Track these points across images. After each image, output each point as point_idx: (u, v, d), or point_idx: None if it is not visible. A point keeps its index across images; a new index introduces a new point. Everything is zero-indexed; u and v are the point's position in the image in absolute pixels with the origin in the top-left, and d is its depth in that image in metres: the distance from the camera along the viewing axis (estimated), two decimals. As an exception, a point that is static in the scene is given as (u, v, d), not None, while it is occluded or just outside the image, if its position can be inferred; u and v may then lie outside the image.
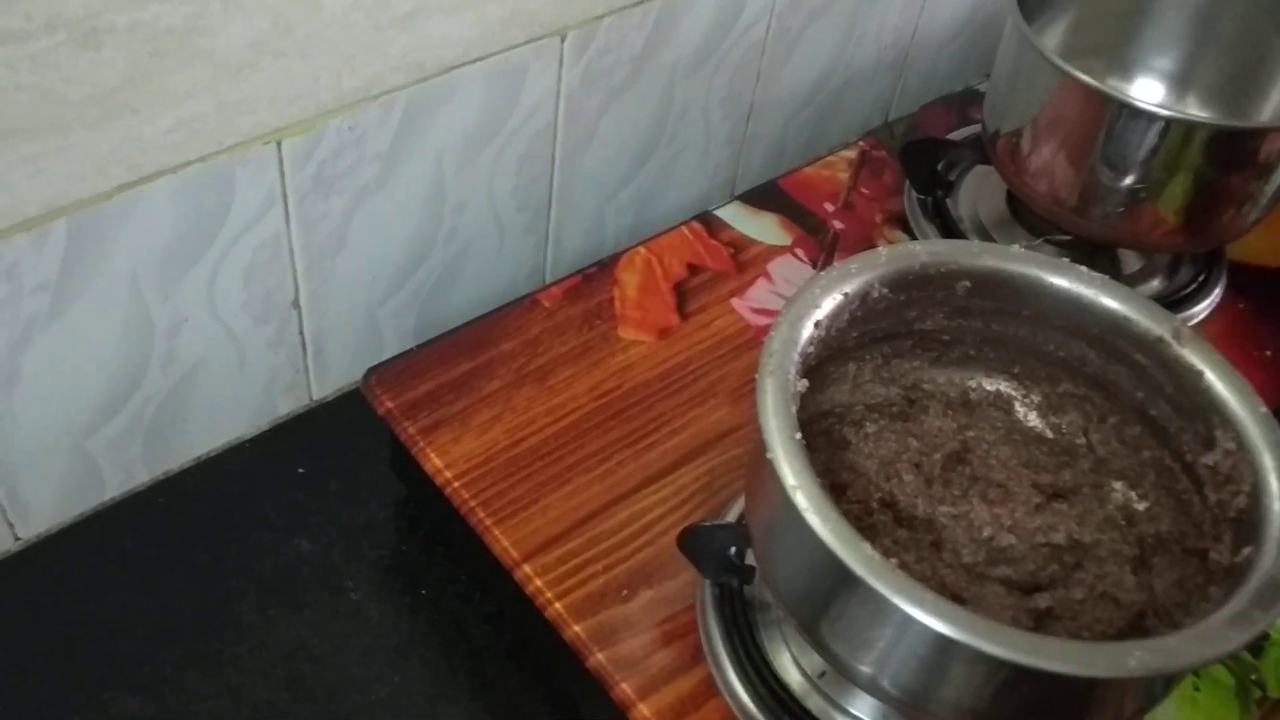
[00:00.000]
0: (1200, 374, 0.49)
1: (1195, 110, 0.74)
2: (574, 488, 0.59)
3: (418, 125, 0.63)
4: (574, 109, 0.70)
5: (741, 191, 0.79)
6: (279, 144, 0.58)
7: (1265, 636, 0.54)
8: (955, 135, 0.83)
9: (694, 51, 0.74)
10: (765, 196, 0.78)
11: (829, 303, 0.49)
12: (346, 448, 0.68)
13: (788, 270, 0.73)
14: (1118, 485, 0.53)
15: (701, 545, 0.54)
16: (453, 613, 0.62)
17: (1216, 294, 0.75)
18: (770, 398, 0.45)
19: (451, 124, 0.64)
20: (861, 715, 0.52)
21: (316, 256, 0.64)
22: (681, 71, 0.74)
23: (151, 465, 0.65)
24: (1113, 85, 0.66)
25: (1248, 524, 0.46)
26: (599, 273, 0.70)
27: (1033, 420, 0.56)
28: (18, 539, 0.62)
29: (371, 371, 0.63)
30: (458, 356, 0.64)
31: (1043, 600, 0.48)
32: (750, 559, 0.54)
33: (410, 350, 0.65)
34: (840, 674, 0.48)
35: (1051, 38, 0.74)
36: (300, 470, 0.67)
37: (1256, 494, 0.46)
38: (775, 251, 0.74)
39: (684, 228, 0.75)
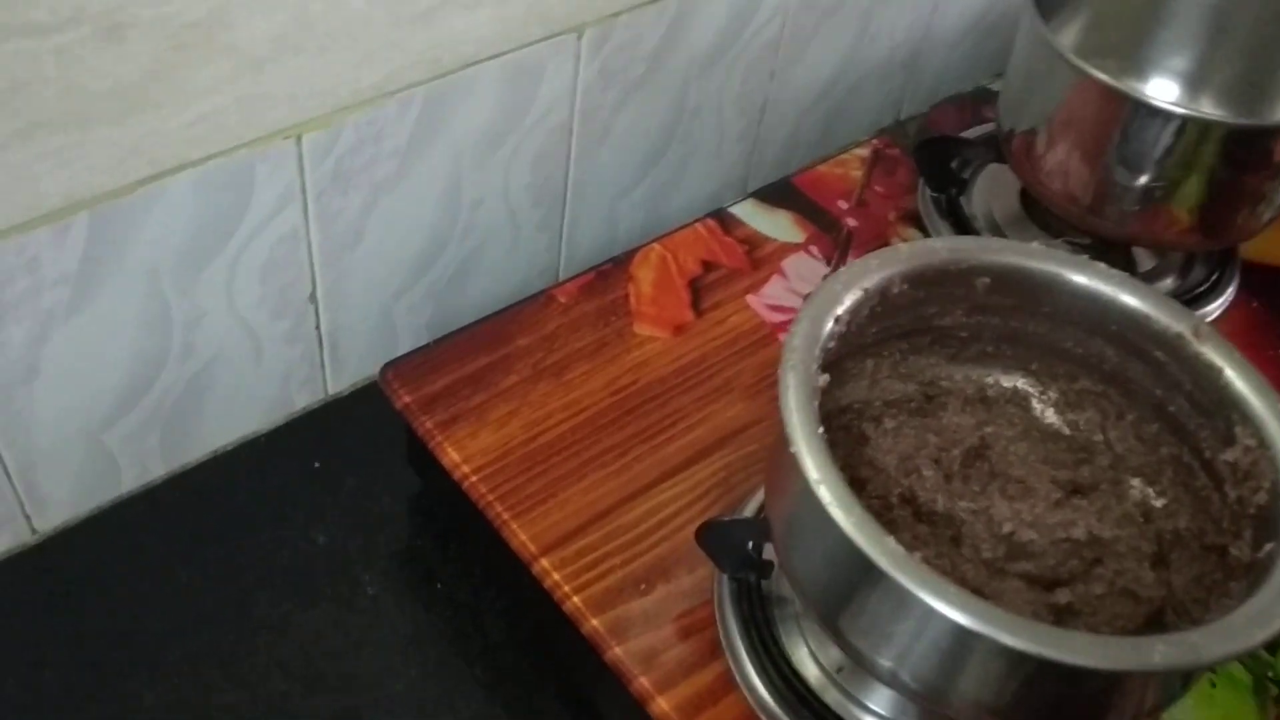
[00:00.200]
0: (1220, 371, 0.50)
1: (1210, 109, 0.74)
2: (591, 482, 0.59)
3: (435, 121, 0.63)
4: (590, 105, 0.70)
5: (754, 189, 0.79)
6: (299, 139, 0.58)
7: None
8: (968, 134, 0.83)
9: (708, 49, 0.74)
10: (779, 194, 0.78)
11: (850, 298, 0.49)
12: (362, 442, 0.68)
13: (802, 267, 0.73)
14: (1135, 482, 0.53)
15: (719, 540, 0.54)
16: (468, 607, 0.62)
17: (1229, 293, 0.75)
18: (793, 392, 0.45)
19: (468, 120, 0.64)
20: (879, 710, 0.52)
21: (334, 251, 0.64)
22: (696, 69, 0.75)
23: (168, 459, 0.65)
24: (1128, 84, 0.66)
25: (1268, 520, 0.46)
26: (614, 269, 0.71)
27: (1050, 417, 0.56)
28: (35, 532, 0.62)
29: (389, 366, 0.63)
30: (474, 352, 0.65)
31: (1063, 595, 0.48)
32: (768, 554, 0.54)
33: (427, 345, 0.65)
34: (860, 668, 0.49)
35: (1067, 36, 0.74)
36: (316, 464, 0.67)
37: (1277, 490, 0.46)
38: (789, 249, 0.74)
39: (698, 224, 0.75)
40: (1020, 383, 0.57)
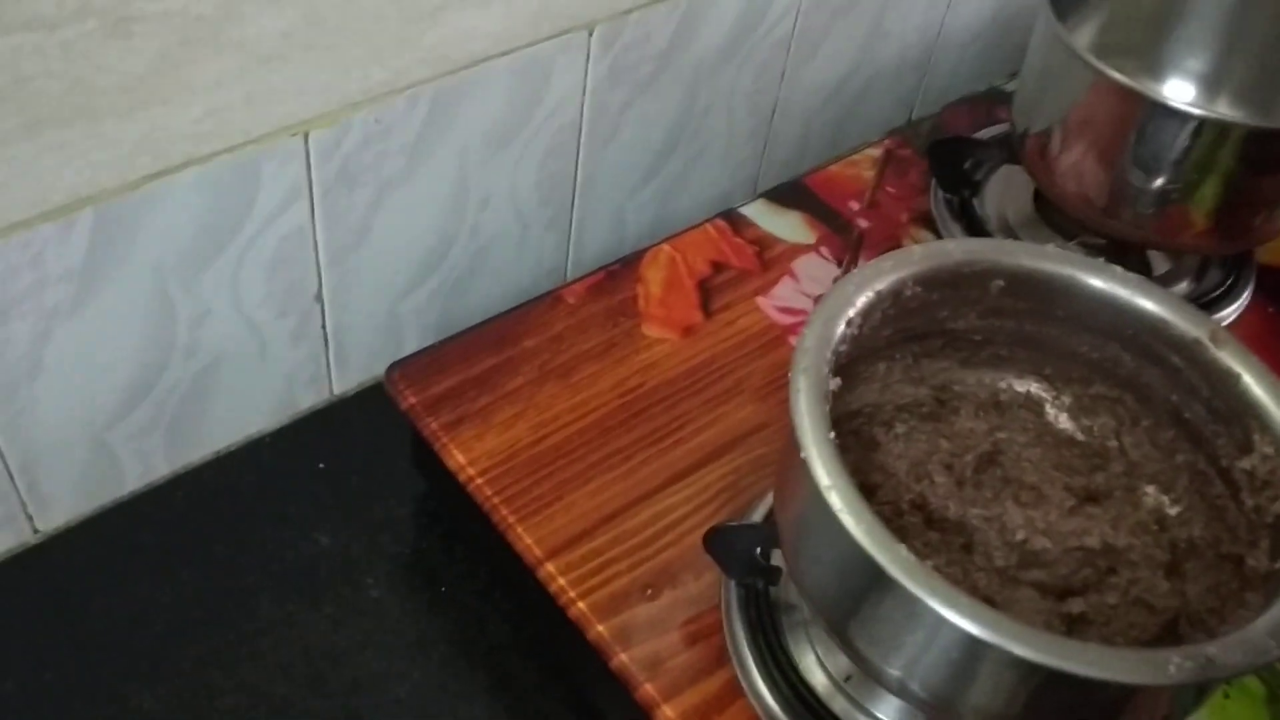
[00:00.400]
0: (1238, 377, 0.49)
1: (1228, 111, 0.74)
2: (597, 486, 0.59)
3: (443, 119, 0.62)
4: (599, 104, 0.70)
5: (764, 189, 0.79)
6: (306, 136, 0.57)
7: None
8: (981, 134, 0.83)
9: (719, 47, 0.74)
10: (790, 194, 0.77)
11: (862, 300, 0.49)
12: (367, 443, 0.67)
13: (813, 269, 0.72)
14: (1150, 489, 0.53)
15: (727, 545, 0.54)
16: (473, 610, 0.61)
17: (1245, 297, 0.74)
18: (804, 396, 0.44)
19: (477, 118, 0.64)
20: (886, 719, 0.51)
21: (340, 250, 0.63)
22: (706, 68, 0.74)
23: (171, 458, 0.64)
24: (1145, 84, 0.65)
25: (1286, 530, 0.45)
26: (623, 269, 0.70)
27: (1064, 422, 0.55)
28: (37, 531, 0.61)
29: (395, 366, 0.63)
30: (481, 352, 0.64)
31: (1076, 605, 0.47)
32: (776, 559, 0.53)
33: (433, 345, 0.64)
34: (869, 676, 0.48)
35: (1083, 36, 0.73)
36: (320, 465, 0.66)
37: (1295, 499, 0.45)
38: (800, 250, 0.73)
39: (708, 225, 0.74)
40: (1034, 387, 0.56)
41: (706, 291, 0.70)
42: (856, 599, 0.44)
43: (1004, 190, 0.78)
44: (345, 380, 0.70)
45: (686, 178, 0.80)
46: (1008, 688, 0.42)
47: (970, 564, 0.48)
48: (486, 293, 0.73)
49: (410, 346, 0.67)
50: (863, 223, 0.76)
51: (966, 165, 0.77)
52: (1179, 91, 0.74)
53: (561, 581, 0.55)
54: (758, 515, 0.58)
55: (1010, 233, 0.76)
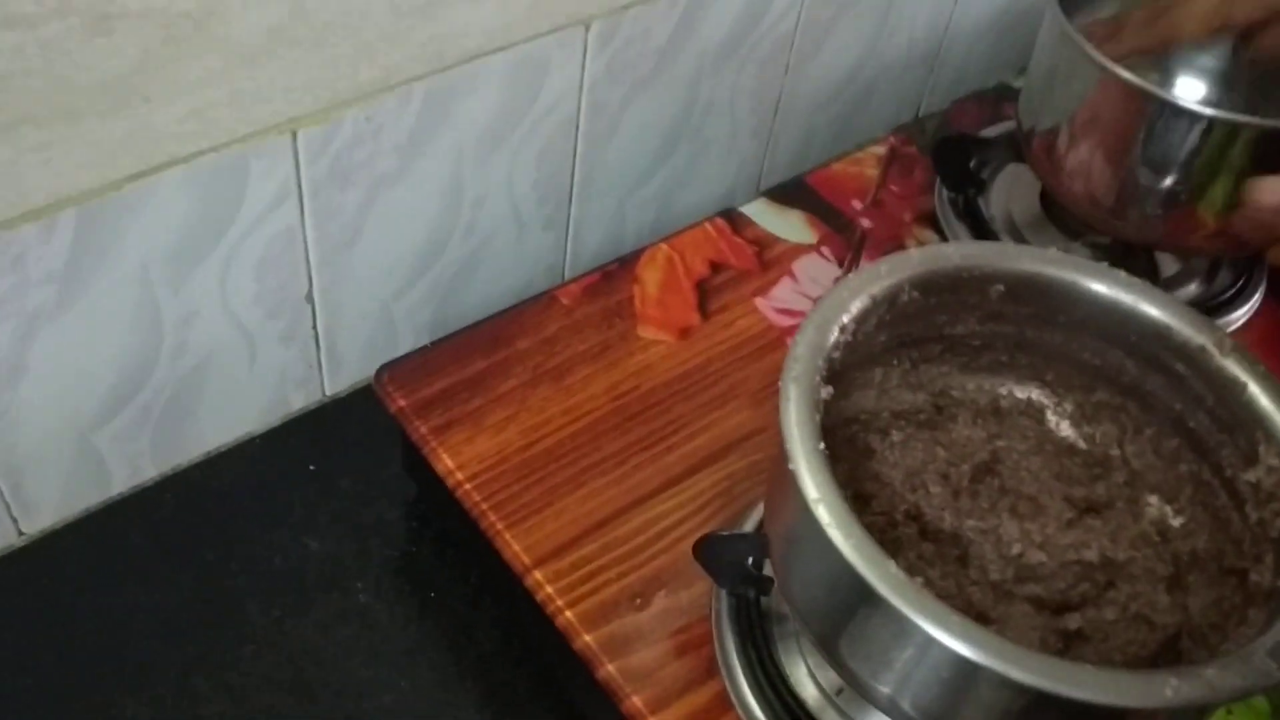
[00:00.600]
0: (1244, 386, 0.47)
1: (1238, 110, 0.72)
2: (589, 491, 0.58)
3: (437, 116, 0.61)
4: (597, 101, 0.68)
5: (767, 188, 0.77)
6: (294, 134, 0.56)
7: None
8: (988, 132, 0.81)
9: (721, 43, 0.72)
10: (791, 193, 0.76)
11: (857, 305, 0.47)
12: (358, 445, 0.66)
13: (813, 269, 0.71)
14: (1153, 500, 0.51)
15: (718, 555, 0.53)
16: (462, 617, 0.60)
17: (1256, 300, 0.73)
18: (794, 405, 0.43)
19: (471, 116, 0.63)
20: (879, 733, 0.50)
21: (331, 250, 0.62)
22: (708, 64, 0.73)
23: (159, 461, 0.64)
24: (1154, 83, 0.64)
25: (1291, 546, 0.44)
26: (619, 270, 0.69)
27: (1065, 430, 0.54)
28: (22, 534, 0.61)
29: (384, 369, 0.62)
30: (473, 354, 0.63)
31: (1073, 621, 0.46)
32: (768, 570, 0.52)
33: (424, 347, 0.63)
34: (858, 693, 0.47)
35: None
36: (311, 467, 0.65)
37: (1301, 514, 0.44)
38: (801, 250, 0.72)
39: (707, 224, 0.73)
40: (1034, 394, 0.55)
41: (704, 292, 0.69)
42: (845, 615, 0.43)
43: (1010, 189, 0.77)
44: (337, 381, 0.69)
45: (688, 176, 0.79)
46: (1000, 708, 0.41)
47: (965, 577, 0.47)
48: (482, 293, 0.72)
49: (404, 347, 0.66)
50: (865, 222, 0.75)
51: (972, 164, 0.76)
52: (1189, 90, 0.73)
53: (549, 590, 0.54)
54: (752, 522, 0.57)
55: (1016, 233, 0.75)
